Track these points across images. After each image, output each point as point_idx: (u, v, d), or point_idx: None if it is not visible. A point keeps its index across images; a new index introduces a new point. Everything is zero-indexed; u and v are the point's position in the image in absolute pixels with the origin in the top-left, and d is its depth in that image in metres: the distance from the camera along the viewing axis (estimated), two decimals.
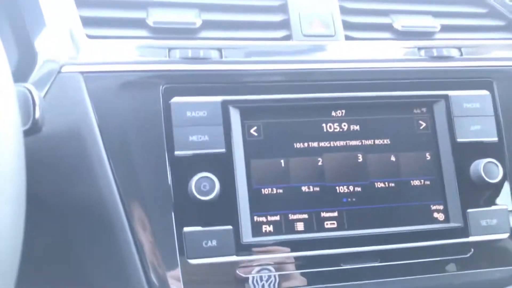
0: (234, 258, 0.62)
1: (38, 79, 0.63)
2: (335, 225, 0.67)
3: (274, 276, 0.64)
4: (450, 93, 0.73)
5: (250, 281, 0.62)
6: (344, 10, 0.75)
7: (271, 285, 0.63)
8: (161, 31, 0.68)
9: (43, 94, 0.61)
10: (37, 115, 0.52)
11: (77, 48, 0.64)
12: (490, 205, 0.71)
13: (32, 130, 0.52)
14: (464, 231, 0.69)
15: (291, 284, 0.64)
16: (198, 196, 0.61)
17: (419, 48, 0.75)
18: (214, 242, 0.62)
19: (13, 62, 0.66)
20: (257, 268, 0.63)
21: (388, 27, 0.76)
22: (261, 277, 0.63)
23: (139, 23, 0.68)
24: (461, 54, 0.76)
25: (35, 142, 0.57)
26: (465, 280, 0.69)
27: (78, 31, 0.65)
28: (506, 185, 0.72)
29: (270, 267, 0.63)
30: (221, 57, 0.68)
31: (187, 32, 0.69)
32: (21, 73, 0.64)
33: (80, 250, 0.63)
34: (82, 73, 0.63)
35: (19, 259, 0.38)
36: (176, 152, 0.63)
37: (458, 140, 0.71)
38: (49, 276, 0.68)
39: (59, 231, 0.64)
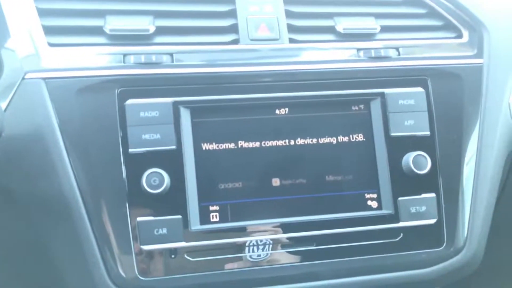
0: (182, 244, 0.70)
1: (4, 86, 0.69)
2: (275, 213, 0.74)
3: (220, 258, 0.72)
4: (386, 90, 0.79)
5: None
6: (289, 14, 0.80)
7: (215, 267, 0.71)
8: (117, 38, 0.74)
9: (8, 100, 0.68)
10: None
11: (39, 56, 0.70)
12: (419, 194, 0.78)
13: None
14: (394, 218, 0.77)
15: (235, 266, 0.72)
16: (148, 189, 0.68)
17: (359, 49, 0.81)
18: (165, 230, 0.69)
19: None
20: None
21: (330, 30, 0.82)
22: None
23: (97, 31, 0.74)
24: (399, 54, 0.82)
25: (1, 142, 0.64)
26: (395, 261, 0.77)
27: (40, 40, 0.71)
28: (435, 175, 0.79)
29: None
30: (172, 61, 0.74)
31: (142, 38, 0.75)
32: None
33: (44, 241, 0.71)
34: (44, 79, 0.69)
35: None
36: (130, 150, 0.70)
37: (392, 134, 0.78)
38: (16, 270, 0.76)
39: (24, 226, 0.71)
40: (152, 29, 0.75)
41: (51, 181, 0.68)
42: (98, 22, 0.75)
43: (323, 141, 0.77)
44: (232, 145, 0.75)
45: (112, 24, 0.74)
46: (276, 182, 0.75)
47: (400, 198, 0.77)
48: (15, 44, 0.71)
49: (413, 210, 0.77)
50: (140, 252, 0.69)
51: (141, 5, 0.77)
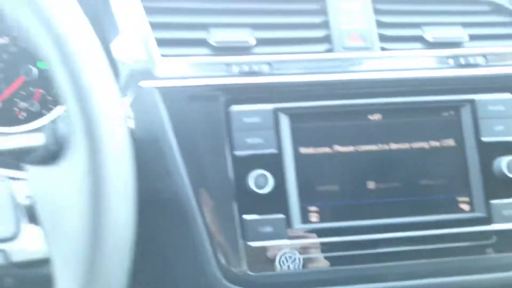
0: (285, 241, 0.74)
1: (121, 94, 0.76)
2: (373, 214, 0.77)
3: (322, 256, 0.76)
4: (476, 97, 0.82)
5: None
6: (379, 24, 0.84)
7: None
8: (221, 49, 0.80)
9: (127, 107, 0.74)
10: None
11: (153, 66, 0.77)
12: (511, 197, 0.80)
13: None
14: (487, 220, 0.79)
15: (336, 263, 0.76)
16: (255, 189, 0.73)
17: (448, 57, 0.84)
18: (269, 228, 0.74)
19: None
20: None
21: (419, 39, 0.85)
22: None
23: (202, 43, 0.80)
24: (487, 61, 0.84)
25: None
26: (488, 263, 0.79)
27: (154, 51, 0.77)
28: None
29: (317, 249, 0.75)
30: (272, 70, 0.79)
31: (243, 49, 0.80)
32: None
33: (159, 240, 0.76)
34: (157, 88, 0.75)
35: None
36: (236, 152, 0.76)
37: (483, 139, 0.80)
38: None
39: (142, 225, 0.77)
40: (252, 41, 0.80)
41: (166, 182, 0.74)
42: (203, 35, 0.80)
43: (415, 146, 0.80)
44: (328, 149, 0.79)
45: (216, 36, 0.80)
46: (371, 185, 0.78)
47: (492, 201, 0.79)
48: (130, 54, 0.78)
49: (505, 213, 0.79)
50: (247, 249, 0.74)
51: (241, 18, 0.82)
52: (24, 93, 0.95)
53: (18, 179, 0.54)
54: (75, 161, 0.47)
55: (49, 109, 0.95)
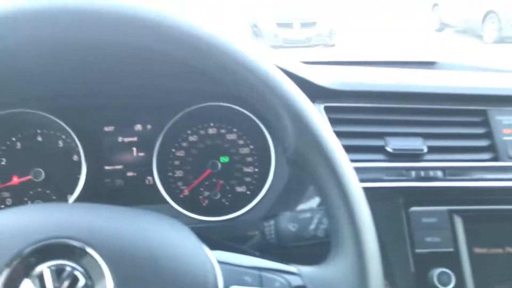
0: None
1: None
2: None
3: None
4: None
5: None
6: None
7: None
8: (397, 156, 0.91)
9: None
10: None
11: None
12: None
13: None
14: None
15: None
16: (439, 286, 0.81)
17: None
18: None
19: None
20: None
21: None
22: None
23: (380, 149, 0.92)
24: None
25: None
26: None
27: None
28: None
29: None
30: (445, 175, 0.89)
31: (417, 156, 0.92)
32: None
33: None
34: None
35: None
36: (416, 250, 0.84)
37: None
38: None
39: None
40: (425, 149, 0.91)
41: None
42: (380, 143, 0.93)
43: None
44: (500, 250, 0.85)
45: (393, 144, 0.92)
46: None
47: None
48: None
49: None
50: None
51: (414, 128, 0.94)
52: (208, 184, 1.10)
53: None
54: (344, 261, 0.59)
55: (227, 198, 1.10)
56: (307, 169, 0.60)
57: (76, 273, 0.48)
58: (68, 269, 0.49)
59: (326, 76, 0.98)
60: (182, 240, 0.55)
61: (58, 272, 0.48)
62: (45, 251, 0.49)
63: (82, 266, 0.49)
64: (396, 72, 1.13)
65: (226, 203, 1.10)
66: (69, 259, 0.49)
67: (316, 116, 0.58)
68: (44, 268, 0.48)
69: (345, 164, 0.59)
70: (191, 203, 1.06)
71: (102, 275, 0.48)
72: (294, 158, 0.60)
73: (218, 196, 1.10)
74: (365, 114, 0.95)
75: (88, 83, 0.98)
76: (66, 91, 1.00)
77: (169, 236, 0.55)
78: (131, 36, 0.51)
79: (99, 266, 0.49)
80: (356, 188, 0.59)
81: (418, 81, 1.04)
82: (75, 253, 0.49)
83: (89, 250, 0.49)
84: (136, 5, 0.50)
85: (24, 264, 0.48)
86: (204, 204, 1.10)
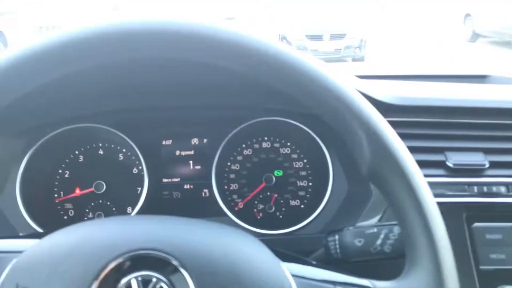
0: None
1: None
2: None
3: None
4: None
5: None
6: None
7: None
8: (459, 171, 0.91)
9: None
10: None
11: None
12: None
13: None
14: None
15: None
16: None
17: None
18: None
19: None
20: None
21: None
22: None
23: (440, 164, 0.92)
24: None
25: None
26: None
27: None
28: None
29: None
30: (508, 191, 0.88)
31: (479, 171, 0.91)
32: None
33: None
34: None
35: None
36: (481, 267, 0.83)
37: None
38: None
39: None
40: (487, 164, 0.91)
41: None
42: (441, 158, 0.92)
43: None
44: None
45: (453, 159, 0.92)
46: None
47: None
48: None
49: None
50: None
51: (475, 143, 0.94)
52: (262, 197, 1.12)
53: None
54: (421, 277, 0.59)
55: (281, 212, 1.11)
56: (383, 184, 0.61)
57: (162, 284, 0.50)
58: (154, 280, 0.50)
59: (382, 90, 0.99)
60: (260, 255, 0.56)
61: (144, 283, 0.50)
62: (131, 263, 0.51)
63: (167, 278, 0.51)
64: (449, 86, 1.13)
65: (280, 216, 1.11)
66: (155, 270, 0.51)
67: (391, 132, 0.59)
68: (132, 279, 0.50)
69: (421, 180, 0.59)
70: (246, 216, 1.08)
71: (186, 287, 0.50)
72: (369, 174, 0.61)
73: (273, 209, 1.11)
74: (425, 129, 0.95)
75: (151, 99, 1.01)
76: (128, 106, 1.04)
77: (249, 251, 0.56)
78: (230, 62, 0.52)
79: (184, 279, 0.50)
80: (432, 205, 0.60)
81: (474, 95, 1.04)
82: (161, 265, 0.51)
83: (175, 262, 0.51)
84: (231, 30, 0.52)
85: (112, 276, 0.50)
86: (258, 217, 1.11)
